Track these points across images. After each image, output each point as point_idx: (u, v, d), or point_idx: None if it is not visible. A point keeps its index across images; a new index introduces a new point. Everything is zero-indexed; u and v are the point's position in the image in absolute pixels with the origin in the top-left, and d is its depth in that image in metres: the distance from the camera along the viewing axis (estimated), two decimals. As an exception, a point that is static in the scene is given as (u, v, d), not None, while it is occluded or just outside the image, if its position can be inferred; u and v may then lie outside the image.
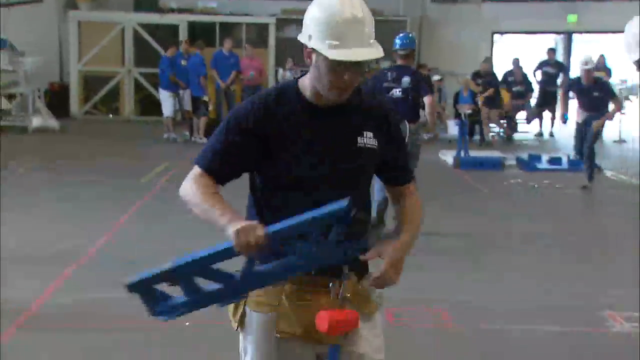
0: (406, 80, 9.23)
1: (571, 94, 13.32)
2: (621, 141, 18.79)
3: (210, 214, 2.83)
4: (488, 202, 11.67)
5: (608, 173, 14.01)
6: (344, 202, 2.65)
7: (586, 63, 12.41)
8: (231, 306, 3.02)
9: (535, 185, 13.08)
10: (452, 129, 17.62)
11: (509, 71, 20.85)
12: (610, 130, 18.77)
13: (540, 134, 20.51)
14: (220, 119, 18.12)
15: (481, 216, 10.40)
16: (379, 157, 2.99)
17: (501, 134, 19.98)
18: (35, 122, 18.43)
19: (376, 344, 3.00)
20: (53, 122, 18.78)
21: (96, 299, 6.65)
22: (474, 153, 15.58)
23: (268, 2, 23.46)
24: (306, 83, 2.92)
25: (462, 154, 15.29)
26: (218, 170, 2.91)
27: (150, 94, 20.74)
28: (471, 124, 18.01)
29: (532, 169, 14.64)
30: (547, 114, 20.63)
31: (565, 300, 6.86)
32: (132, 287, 2.87)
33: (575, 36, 24.10)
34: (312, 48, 2.80)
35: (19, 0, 20.03)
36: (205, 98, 17.61)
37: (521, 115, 20.71)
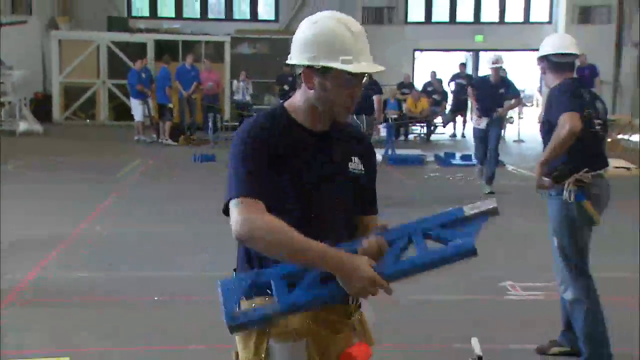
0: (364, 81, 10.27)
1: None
2: (520, 141, 19.10)
3: (306, 256, 2.27)
4: (412, 191, 11.84)
5: (509, 167, 14.25)
6: (471, 246, 2.32)
7: (496, 62, 11.33)
8: (250, 346, 2.42)
9: (450, 178, 13.28)
10: (381, 131, 17.77)
11: (427, 82, 21.06)
12: (511, 131, 19.12)
13: (454, 135, 20.77)
14: (183, 123, 18.12)
15: (406, 202, 10.54)
16: (364, 183, 2.55)
17: (422, 135, 20.22)
18: (22, 126, 18.21)
19: None
20: (38, 127, 18.58)
21: (79, 277, 6.62)
22: (399, 151, 15.74)
23: (224, 23, 23.43)
24: (297, 107, 2.46)
25: (390, 152, 15.45)
26: (263, 194, 2.34)
27: (123, 102, 20.53)
28: (397, 126, 18.21)
29: (447, 165, 14.84)
30: (459, 118, 20.90)
31: (471, 272, 6.94)
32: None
33: (481, 53, 24.39)
34: (318, 68, 2.36)
35: (8, 21, 19.72)
36: (170, 105, 17.62)
37: (438, 120, 20.96)
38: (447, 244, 2.37)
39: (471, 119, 14.01)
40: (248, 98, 19.44)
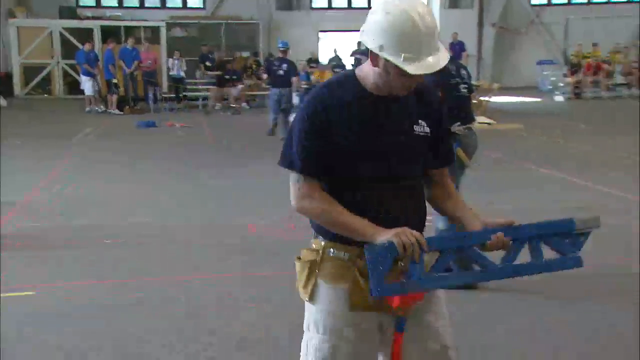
0: (285, 65, 11.83)
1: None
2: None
3: (349, 233, 2.12)
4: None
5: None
6: (579, 262, 2.19)
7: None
8: (302, 278, 2.24)
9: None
10: (294, 99, 17.58)
11: (331, 57, 20.96)
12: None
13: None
14: (127, 96, 17.56)
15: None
16: (432, 141, 2.24)
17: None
18: (-12, 101, 17.41)
19: (439, 311, 2.28)
20: (2, 101, 17.77)
21: (39, 227, 6.37)
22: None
23: (159, 11, 22.74)
24: (366, 75, 2.17)
25: None
26: (316, 172, 2.15)
27: (75, 79, 19.71)
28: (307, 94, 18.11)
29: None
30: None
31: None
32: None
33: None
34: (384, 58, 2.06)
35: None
36: (115, 80, 17.12)
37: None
38: (562, 255, 2.22)
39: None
40: (182, 73, 18.98)
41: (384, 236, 2.04)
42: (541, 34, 24.92)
